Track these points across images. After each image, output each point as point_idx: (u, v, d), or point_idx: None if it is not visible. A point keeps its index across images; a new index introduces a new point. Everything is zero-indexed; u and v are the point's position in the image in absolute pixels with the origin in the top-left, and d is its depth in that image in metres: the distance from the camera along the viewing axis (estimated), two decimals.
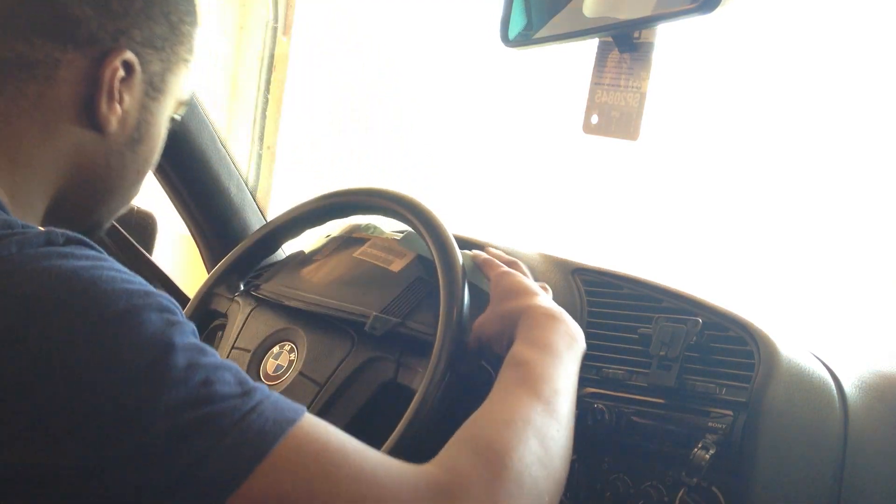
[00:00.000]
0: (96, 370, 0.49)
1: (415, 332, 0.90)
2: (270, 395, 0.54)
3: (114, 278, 0.53)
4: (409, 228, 0.98)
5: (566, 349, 0.74)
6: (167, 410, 0.49)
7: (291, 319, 0.99)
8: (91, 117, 0.65)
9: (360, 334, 0.92)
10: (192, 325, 0.55)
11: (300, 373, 0.92)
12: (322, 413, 0.88)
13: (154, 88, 0.69)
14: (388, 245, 1.02)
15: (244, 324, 1.01)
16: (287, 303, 0.99)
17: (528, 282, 0.84)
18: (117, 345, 0.50)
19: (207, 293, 1.06)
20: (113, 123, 0.66)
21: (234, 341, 1.00)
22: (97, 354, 0.49)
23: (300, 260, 1.08)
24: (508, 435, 0.60)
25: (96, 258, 0.55)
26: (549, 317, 0.77)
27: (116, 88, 0.65)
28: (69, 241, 0.55)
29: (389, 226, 1.09)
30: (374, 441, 0.78)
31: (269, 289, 1.03)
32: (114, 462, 0.48)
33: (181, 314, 0.55)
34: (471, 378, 0.84)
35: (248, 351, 0.98)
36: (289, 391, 0.91)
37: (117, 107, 0.66)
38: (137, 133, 0.69)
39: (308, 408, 0.88)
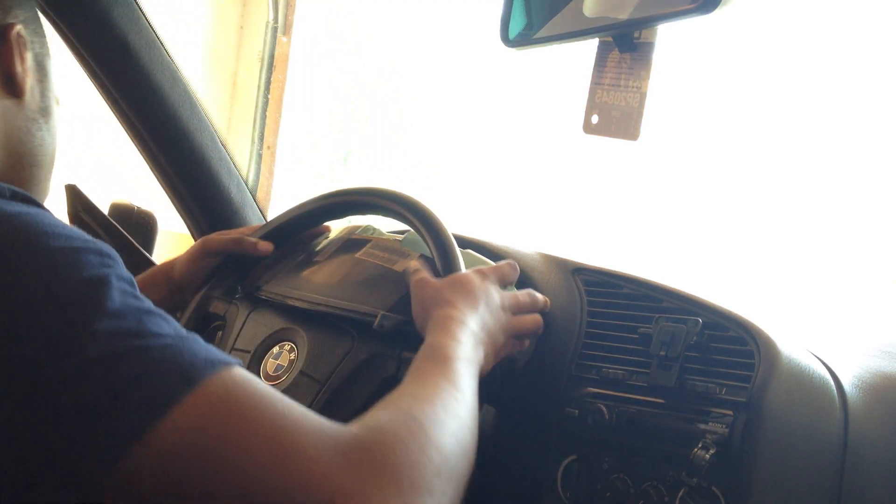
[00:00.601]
0: (32, 297, 0.51)
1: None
2: (205, 343, 0.56)
3: (56, 224, 0.56)
4: (408, 228, 0.98)
5: (475, 360, 0.79)
6: (99, 337, 0.51)
7: (291, 320, 0.99)
8: (8, 83, 0.71)
9: (360, 332, 0.92)
10: (131, 276, 0.57)
11: (301, 371, 0.92)
12: (324, 410, 0.88)
13: (40, 68, 0.76)
14: (391, 246, 1.02)
15: (243, 326, 1.01)
16: (291, 303, 0.99)
17: (482, 289, 0.87)
18: (54, 276, 0.52)
19: (205, 296, 1.06)
20: (28, 84, 0.72)
21: (234, 343, 1.00)
22: (34, 283, 0.51)
23: (300, 261, 1.08)
24: (430, 411, 0.62)
25: (42, 212, 0.57)
26: (466, 326, 0.81)
27: (24, 53, 0.72)
28: (15, 196, 0.59)
29: (387, 226, 1.09)
30: None
31: (270, 290, 1.03)
32: (43, 385, 0.49)
33: (121, 264, 0.57)
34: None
35: (248, 352, 0.98)
36: (290, 390, 0.91)
37: (28, 69, 0.72)
38: (43, 102, 0.76)
39: (310, 405, 0.89)
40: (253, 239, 1.07)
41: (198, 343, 0.55)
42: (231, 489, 0.51)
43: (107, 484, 0.50)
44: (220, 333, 1.05)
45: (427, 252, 0.97)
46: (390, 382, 0.88)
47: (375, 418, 0.59)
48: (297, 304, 0.98)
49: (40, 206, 0.60)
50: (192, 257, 1.08)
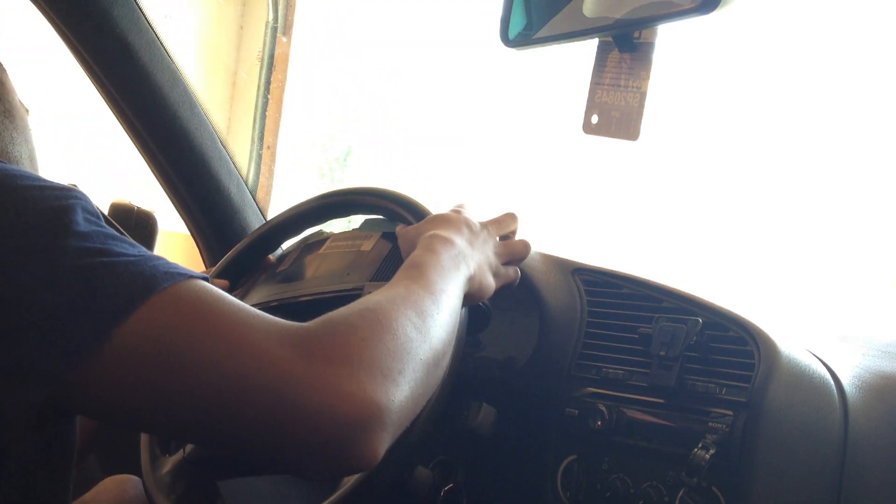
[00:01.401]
0: (2, 224, 0.54)
1: None
2: (169, 262, 0.59)
3: (25, 170, 0.59)
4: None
5: (454, 269, 0.78)
6: (67, 253, 0.54)
7: None
8: None
9: None
10: (98, 211, 0.59)
11: None
12: None
13: None
14: (350, 234, 1.04)
15: None
16: (275, 304, 0.99)
17: (461, 219, 0.88)
18: (24, 205, 0.55)
19: None
20: None
21: None
22: (4, 212, 0.54)
23: (265, 278, 1.08)
24: (385, 304, 0.64)
25: (13, 165, 0.60)
26: (448, 241, 0.82)
27: None
28: None
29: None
30: None
31: (249, 302, 1.03)
32: (12, 294, 0.52)
33: (89, 201, 0.59)
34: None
35: None
36: None
37: None
38: (3, 106, 0.78)
39: None
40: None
41: (161, 260, 0.58)
42: (184, 385, 0.54)
43: (69, 383, 0.53)
44: None
45: (387, 229, 0.99)
46: None
47: (329, 314, 0.61)
48: (283, 302, 0.99)
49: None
50: None
